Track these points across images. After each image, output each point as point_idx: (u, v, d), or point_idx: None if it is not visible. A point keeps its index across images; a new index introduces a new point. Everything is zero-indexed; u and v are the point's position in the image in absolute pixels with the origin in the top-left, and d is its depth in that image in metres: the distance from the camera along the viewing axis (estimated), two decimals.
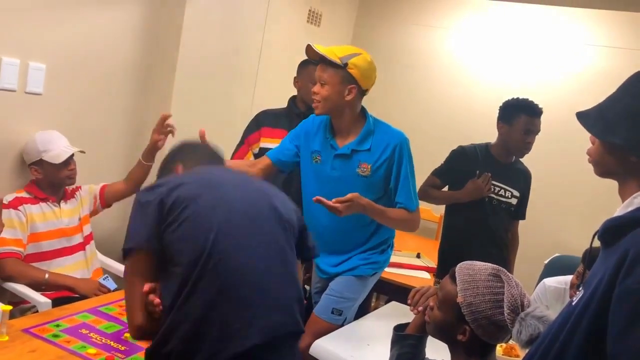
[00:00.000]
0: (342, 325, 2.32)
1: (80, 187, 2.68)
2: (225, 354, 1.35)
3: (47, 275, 2.33)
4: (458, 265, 1.51)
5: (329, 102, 2.19)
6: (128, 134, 3.15)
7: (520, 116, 2.73)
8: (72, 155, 2.49)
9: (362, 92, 2.24)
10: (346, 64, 2.15)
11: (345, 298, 2.34)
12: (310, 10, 4.39)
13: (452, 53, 4.75)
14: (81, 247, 2.59)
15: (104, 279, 2.47)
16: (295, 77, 3.02)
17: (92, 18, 2.82)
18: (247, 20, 3.66)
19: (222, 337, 1.36)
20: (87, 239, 2.63)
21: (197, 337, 1.36)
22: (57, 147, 2.46)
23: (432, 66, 4.81)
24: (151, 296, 1.41)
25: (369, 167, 2.24)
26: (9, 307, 1.79)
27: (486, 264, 1.50)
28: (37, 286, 2.31)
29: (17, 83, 2.53)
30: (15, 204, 2.37)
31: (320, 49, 2.17)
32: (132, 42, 3.07)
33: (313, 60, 2.31)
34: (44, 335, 1.81)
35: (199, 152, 1.74)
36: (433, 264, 3.34)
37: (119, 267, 2.73)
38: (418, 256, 3.52)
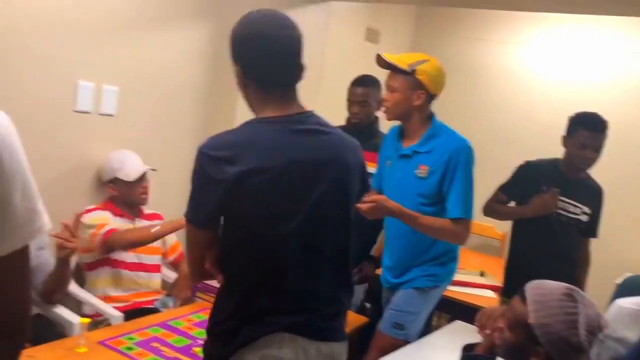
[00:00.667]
0: (406, 341, 2.30)
1: (160, 217, 2.72)
2: None
3: (154, 230, 2.43)
4: (528, 285, 1.47)
5: (398, 107, 2.25)
6: (191, 150, 3.25)
7: (578, 130, 2.66)
8: (145, 174, 2.58)
9: (431, 97, 2.27)
10: (414, 70, 2.20)
11: (405, 312, 2.33)
12: (368, 29, 4.43)
13: (512, 67, 4.67)
14: (157, 269, 2.66)
15: (167, 295, 2.55)
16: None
17: (162, 41, 2.95)
18: (307, 40, 3.69)
19: None
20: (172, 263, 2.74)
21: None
22: (130, 165, 2.56)
23: (492, 80, 4.74)
24: (209, 267, 1.44)
25: (427, 169, 2.23)
26: (88, 320, 1.87)
27: (558, 283, 1.45)
28: (145, 242, 2.45)
29: (91, 105, 2.67)
30: (99, 208, 2.51)
31: (389, 57, 2.23)
32: (199, 62, 3.19)
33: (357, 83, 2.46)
34: (119, 347, 1.88)
35: None
36: (498, 282, 3.26)
37: None
38: (482, 274, 3.44)
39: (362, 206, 2.02)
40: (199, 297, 2.49)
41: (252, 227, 1.38)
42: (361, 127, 2.86)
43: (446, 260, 2.39)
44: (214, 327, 1.47)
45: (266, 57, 1.41)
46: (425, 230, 2.23)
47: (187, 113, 3.20)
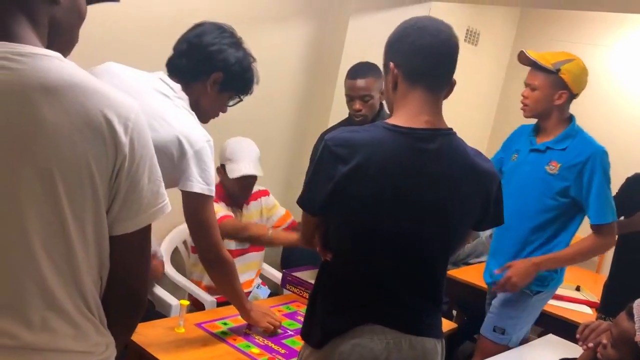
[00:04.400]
0: (508, 346, 2.27)
1: (267, 192, 2.73)
2: None
3: (270, 232, 2.43)
4: (636, 302, 1.40)
5: (539, 105, 2.23)
6: (291, 141, 3.34)
7: None
8: (251, 175, 2.50)
9: (572, 97, 2.24)
10: (559, 70, 2.17)
11: (506, 316, 2.28)
12: (467, 30, 4.34)
13: (617, 71, 4.41)
14: (261, 248, 2.70)
15: (257, 287, 2.62)
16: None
17: (262, 41, 3.03)
18: None
19: None
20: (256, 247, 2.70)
21: None
22: (239, 161, 2.49)
23: (596, 85, 4.49)
24: (317, 247, 1.49)
25: (559, 166, 2.20)
26: (187, 302, 1.96)
27: None
28: (258, 241, 2.46)
29: None
30: None
31: (533, 54, 2.22)
32: (296, 62, 3.26)
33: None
34: (214, 331, 1.96)
35: None
36: (595, 298, 3.11)
37: (276, 274, 2.88)
38: (578, 289, 3.28)
39: (500, 288, 2.13)
40: (289, 290, 2.55)
41: (353, 223, 1.40)
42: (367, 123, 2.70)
43: None
44: (311, 315, 1.50)
45: (421, 50, 1.36)
46: (575, 259, 2.23)
47: (283, 111, 3.29)
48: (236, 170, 2.47)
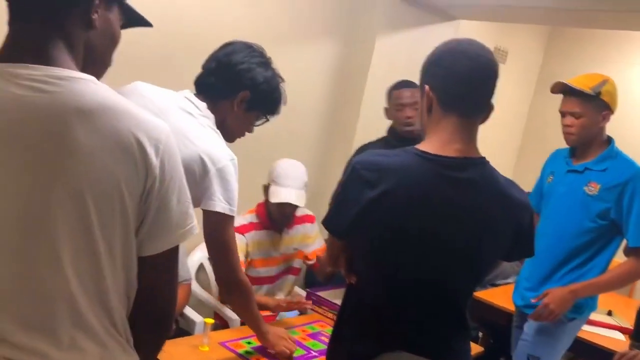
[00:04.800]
0: None
1: (313, 219, 2.68)
2: None
3: (274, 305, 2.38)
4: None
5: (586, 132, 2.21)
6: (316, 159, 3.34)
7: None
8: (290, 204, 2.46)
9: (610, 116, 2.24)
10: (599, 93, 2.16)
11: (541, 344, 2.24)
12: (496, 48, 4.31)
13: None
14: (297, 272, 2.70)
15: (281, 316, 2.61)
16: (386, 107, 2.77)
17: (290, 58, 3.06)
18: None
19: None
20: (294, 270, 2.70)
21: None
22: (283, 186, 2.44)
23: (628, 104, 4.41)
24: (342, 270, 1.48)
25: (598, 187, 2.17)
26: (212, 321, 1.96)
27: None
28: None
29: None
30: (241, 230, 2.48)
31: (573, 82, 2.19)
32: (324, 79, 3.28)
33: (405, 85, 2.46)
34: (238, 350, 1.94)
35: None
36: (627, 324, 3.01)
37: (300, 293, 2.86)
38: (609, 314, 3.19)
39: (536, 317, 2.13)
40: (314, 310, 2.53)
41: (377, 250, 1.38)
42: (416, 134, 2.67)
43: None
44: (336, 339, 1.49)
45: (458, 75, 1.32)
46: (614, 285, 2.21)
47: (309, 129, 3.30)
48: (276, 195, 2.43)
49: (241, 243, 2.46)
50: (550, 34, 4.90)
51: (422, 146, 1.36)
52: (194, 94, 1.69)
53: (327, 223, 1.43)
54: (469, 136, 1.36)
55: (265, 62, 1.74)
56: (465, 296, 1.45)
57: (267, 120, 1.82)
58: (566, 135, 2.25)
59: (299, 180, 2.49)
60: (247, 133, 1.81)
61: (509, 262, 1.82)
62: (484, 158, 1.38)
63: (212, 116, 1.65)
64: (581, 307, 2.23)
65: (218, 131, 1.66)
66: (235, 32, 2.75)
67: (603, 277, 2.16)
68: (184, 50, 2.58)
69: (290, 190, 2.44)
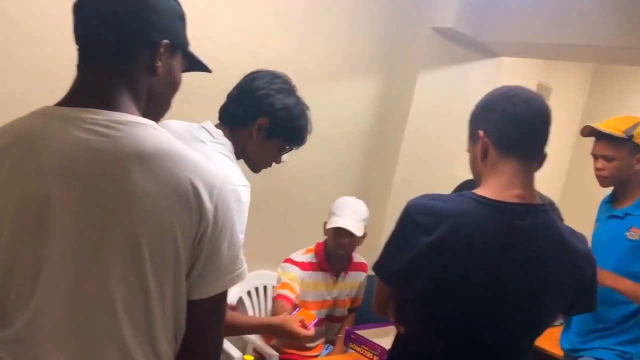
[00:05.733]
0: None
1: (366, 267, 2.67)
2: None
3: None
4: None
5: (619, 175, 2.18)
6: (356, 194, 3.33)
7: None
8: (350, 232, 2.47)
9: None
10: (631, 136, 2.12)
11: None
12: (539, 84, 4.27)
13: None
14: (341, 320, 2.69)
15: (326, 348, 2.59)
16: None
17: (333, 93, 3.10)
18: (477, 95, 3.68)
19: None
20: (337, 319, 2.69)
21: None
22: (340, 216, 2.48)
23: None
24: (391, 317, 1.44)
25: (639, 231, 2.11)
26: (252, 358, 1.95)
27: None
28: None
29: None
30: (301, 266, 2.50)
31: (602, 126, 2.17)
32: (366, 111, 3.30)
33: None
34: None
35: None
36: None
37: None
38: None
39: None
40: (352, 348, 2.49)
41: (430, 299, 1.33)
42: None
43: None
44: None
45: (511, 119, 1.30)
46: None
47: (350, 165, 3.30)
48: (334, 222, 2.47)
49: (298, 275, 2.48)
50: (595, 70, 4.83)
51: (480, 191, 1.32)
52: (216, 124, 1.62)
53: (377, 268, 1.38)
54: (528, 181, 1.32)
55: (287, 89, 1.64)
56: (524, 352, 1.39)
57: (291, 149, 1.69)
58: (598, 178, 2.23)
59: (358, 214, 2.50)
60: (275, 164, 1.69)
61: (570, 315, 1.74)
62: (545, 205, 1.32)
63: (228, 143, 1.56)
64: (630, 356, 2.14)
65: (232, 157, 1.56)
66: (282, 68, 2.80)
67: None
68: (229, 85, 2.63)
69: (348, 218, 2.46)
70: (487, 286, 1.27)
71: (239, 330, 1.80)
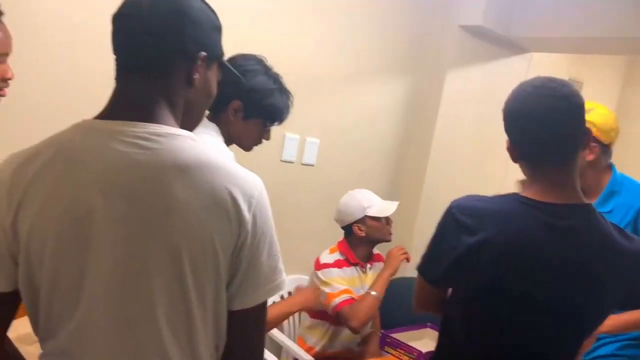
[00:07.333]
0: None
1: (382, 258, 2.66)
2: None
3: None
4: None
5: None
6: (385, 194, 3.31)
7: None
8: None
9: (606, 148, 2.00)
10: None
11: None
12: (570, 79, 4.18)
13: None
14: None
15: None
16: None
17: (359, 95, 3.08)
18: (506, 92, 3.63)
19: None
20: None
21: None
22: (378, 202, 2.51)
23: None
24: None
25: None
26: None
27: None
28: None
29: (295, 155, 2.88)
30: (335, 265, 2.49)
31: None
32: (392, 115, 3.27)
33: None
34: None
35: None
36: None
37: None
38: None
39: None
40: (387, 352, 2.47)
41: (471, 300, 1.32)
42: None
43: None
44: None
45: (531, 137, 1.29)
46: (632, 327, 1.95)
47: (379, 164, 3.28)
48: (385, 209, 2.49)
49: (340, 275, 2.46)
50: (629, 63, 4.72)
51: (526, 193, 1.29)
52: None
53: (421, 269, 1.38)
54: (569, 180, 1.29)
55: (255, 70, 1.67)
56: (570, 357, 1.36)
57: (272, 125, 1.75)
58: None
59: (377, 196, 2.58)
60: (265, 140, 1.77)
61: (624, 311, 1.69)
62: (591, 204, 1.29)
63: (213, 125, 1.62)
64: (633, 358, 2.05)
65: (220, 138, 1.62)
66: (309, 69, 2.81)
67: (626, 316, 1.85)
68: None
69: (385, 202, 2.53)
70: (529, 291, 1.25)
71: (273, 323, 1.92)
